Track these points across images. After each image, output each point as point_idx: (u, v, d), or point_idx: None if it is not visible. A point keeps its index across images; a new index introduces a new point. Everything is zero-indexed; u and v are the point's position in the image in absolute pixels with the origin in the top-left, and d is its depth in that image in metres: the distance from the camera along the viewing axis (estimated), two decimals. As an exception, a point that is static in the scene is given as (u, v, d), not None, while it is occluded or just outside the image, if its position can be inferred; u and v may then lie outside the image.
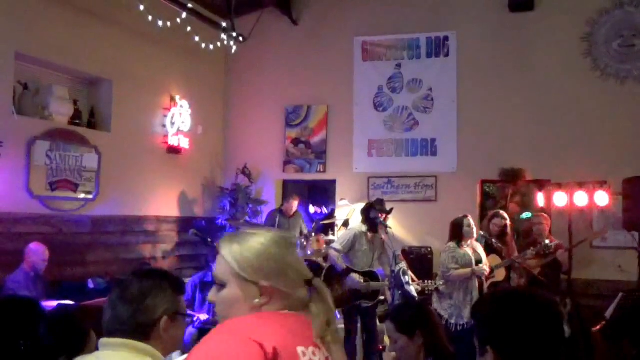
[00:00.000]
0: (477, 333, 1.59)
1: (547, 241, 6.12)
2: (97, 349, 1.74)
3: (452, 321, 5.33)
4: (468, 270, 5.31)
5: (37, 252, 5.17)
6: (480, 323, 1.59)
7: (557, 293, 6.09)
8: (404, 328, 2.58)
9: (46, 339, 2.19)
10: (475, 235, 5.55)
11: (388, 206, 5.92)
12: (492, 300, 1.65)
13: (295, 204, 8.04)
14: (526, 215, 7.21)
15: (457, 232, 5.47)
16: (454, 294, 5.37)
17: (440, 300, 5.48)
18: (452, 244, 5.45)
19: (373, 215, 5.58)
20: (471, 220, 5.52)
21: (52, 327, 2.26)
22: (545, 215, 6.58)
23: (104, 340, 1.67)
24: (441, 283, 5.48)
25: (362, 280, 5.45)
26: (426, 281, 5.58)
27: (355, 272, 5.50)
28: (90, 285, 6.06)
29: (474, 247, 5.54)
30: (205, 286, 5.86)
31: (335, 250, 5.57)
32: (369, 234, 5.59)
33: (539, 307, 1.53)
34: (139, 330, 1.65)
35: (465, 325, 5.22)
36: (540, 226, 6.45)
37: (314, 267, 6.92)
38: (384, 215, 5.68)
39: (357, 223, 5.74)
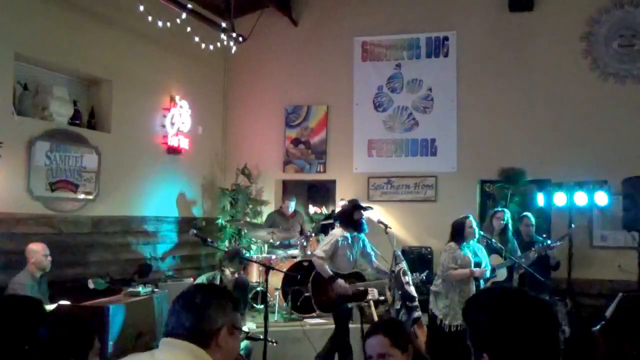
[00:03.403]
0: (471, 338, 1.57)
1: (549, 241, 6.14)
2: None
3: (447, 322, 5.34)
4: (466, 271, 5.32)
5: (37, 251, 5.16)
6: (475, 329, 1.55)
7: (548, 289, 6.13)
8: (399, 343, 2.56)
9: (50, 339, 2.19)
10: (476, 236, 5.55)
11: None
12: (485, 304, 1.59)
13: (292, 205, 8.03)
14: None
15: (459, 233, 5.47)
16: (449, 295, 5.38)
17: (436, 300, 5.49)
18: (453, 244, 5.46)
19: (357, 216, 5.64)
20: (473, 221, 5.53)
21: (59, 328, 2.26)
22: (529, 215, 6.65)
23: (166, 340, 1.76)
24: (438, 282, 5.51)
25: (347, 286, 5.52)
26: (414, 274, 5.68)
27: (341, 276, 5.55)
28: (90, 285, 6.04)
29: (474, 250, 5.54)
30: None
31: (319, 257, 5.56)
32: (350, 237, 5.64)
33: (535, 312, 1.50)
34: (200, 337, 1.74)
35: (460, 327, 5.21)
36: (527, 228, 6.51)
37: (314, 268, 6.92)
38: (365, 214, 5.79)
39: (337, 229, 5.78)
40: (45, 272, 5.25)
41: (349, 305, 5.69)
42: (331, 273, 5.51)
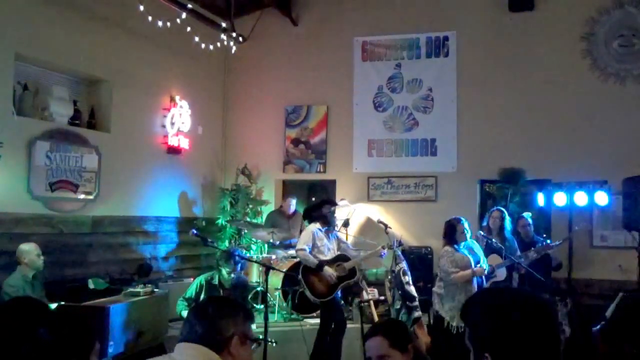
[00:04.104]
0: (472, 338, 1.55)
1: (548, 241, 6.14)
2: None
3: (454, 323, 5.34)
4: (469, 272, 5.33)
5: (29, 251, 5.11)
6: (475, 329, 1.54)
7: (549, 290, 6.14)
8: (398, 343, 2.56)
9: (50, 340, 2.19)
10: (467, 240, 5.56)
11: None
12: (485, 304, 1.58)
13: (293, 203, 8.06)
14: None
15: (450, 234, 5.51)
16: (456, 296, 5.38)
17: (442, 302, 5.49)
18: (449, 248, 5.48)
19: (326, 210, 5.96)
20: (466, 225, 5.52)
21: (60, 328, 2.26)
22: (525, 216, 6.66)
23: (181, 344, 1.88)
24: (441, 285, 5.52)
25: (334, 269, 5.78)
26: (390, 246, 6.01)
27: (326, 262, 5.81)
28: (90, 285, 6.04)
29: (470, 246, 5.55)
30: (211, 288, 5.82)
31: (301, 250, 5.84)
32: (324, 230, 5.95)
33: (536, 310, 1.49)
34: (212, 343, 1.85)
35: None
36: (525, 228, 6.51)
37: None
38: (334, 209, 6.16)
39: (310, 225, 6.07)
40: (38, 271, 5.20)
41: (344, 284, 5.90)
42: (317, 261, 5.75)
